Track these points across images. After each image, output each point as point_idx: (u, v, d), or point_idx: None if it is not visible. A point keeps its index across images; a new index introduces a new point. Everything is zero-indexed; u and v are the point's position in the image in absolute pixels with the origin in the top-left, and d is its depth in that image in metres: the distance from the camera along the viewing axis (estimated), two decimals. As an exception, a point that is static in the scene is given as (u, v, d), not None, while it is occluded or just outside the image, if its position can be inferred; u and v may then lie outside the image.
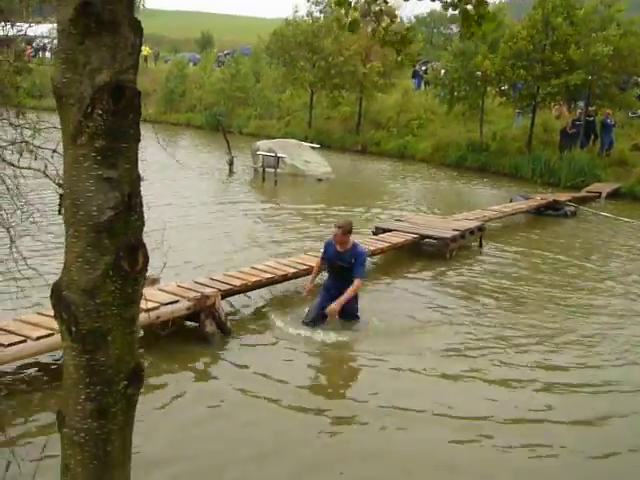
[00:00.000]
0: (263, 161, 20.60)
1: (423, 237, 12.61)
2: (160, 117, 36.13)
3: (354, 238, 8.68)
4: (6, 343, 6.58)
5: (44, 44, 33.06)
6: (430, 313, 9.34)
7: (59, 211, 3.99)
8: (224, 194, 18.34)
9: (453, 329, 8.77)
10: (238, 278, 9.15)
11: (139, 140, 2.07)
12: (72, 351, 2.06)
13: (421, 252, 12.39)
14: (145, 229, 2.08)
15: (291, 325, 8.44)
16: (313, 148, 23.65)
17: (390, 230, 12.90)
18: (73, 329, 2.01)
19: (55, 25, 2.82)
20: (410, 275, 11.19)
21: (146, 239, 2.11)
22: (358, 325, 8.57)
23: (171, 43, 65.45)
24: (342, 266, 8.42)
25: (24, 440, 5.44)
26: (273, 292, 9.76)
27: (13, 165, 3.46)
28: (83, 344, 2.02)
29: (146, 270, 2.08)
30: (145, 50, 39.38)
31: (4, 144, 3.39)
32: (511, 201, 17.96)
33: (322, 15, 33.99)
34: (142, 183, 2.06)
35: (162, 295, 8.11)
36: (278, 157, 20.57)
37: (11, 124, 3.93)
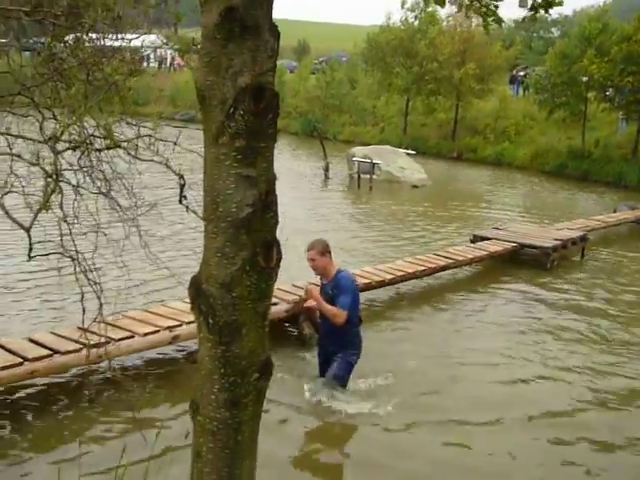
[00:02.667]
0: (359, 167, 20.69)
1: (523, 246, 12.33)
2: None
3: (334, 264, 6.70)
4: (116, 338, 6.92)
5: (148, 55, 34.42)
6: (516, 339, 8.44)
7: (180, 201, 4.20)
8: (320, 200, 18.52)
9: (553, 384, 7.23)
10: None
11: (275, 140, 2.14)
12: (208, 342, 2.15)
13: (520, 262, 12.09)
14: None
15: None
16: (409, 155, 23.55)
17: (488, 238, 12.70)
18: (210, 321, 2.10)
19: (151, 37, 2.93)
20: (506, 287, 10.87)
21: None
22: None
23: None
24: (327, 295, 6.52)
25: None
26: (370, 297, 9.77)
27: (138, 158, 3.63)
28: (219, 336, 2.11)
29: (279, 266, 2.14)
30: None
31: (129, 138, 3.56)
32: (615, 211, 17.30)
33: (417, 20, 33.88)
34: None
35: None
36: (374, 163, 20.62)
37: (128, 123, 4.13)
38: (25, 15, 3.50)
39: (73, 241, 3.38)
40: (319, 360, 6.88)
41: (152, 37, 5.30)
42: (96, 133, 3.89)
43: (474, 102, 31.63)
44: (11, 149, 3.39)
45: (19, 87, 3.76)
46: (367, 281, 9.48)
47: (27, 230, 3.35)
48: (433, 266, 10.54)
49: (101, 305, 3.48)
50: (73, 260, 3.30)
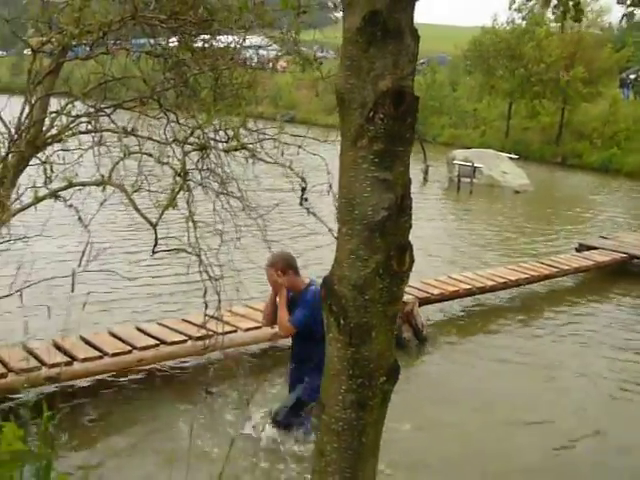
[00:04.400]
0: (459, 170, 20.40)
1: (632, 257, 11.82)
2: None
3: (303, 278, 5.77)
4: (220, 331, 7.10)
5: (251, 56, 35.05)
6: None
7: (300, 203, 4.27)
8: (418, 202, 18.32)
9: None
10: (436, 287, 9.15)
11: (412, 144, 2.14)
12: (337, 343, 2.17)
13: (630, 274, 11.57)
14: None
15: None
16: (511, 159, 23.01)
17: (595, 248, 12.23)
18: (341, 322, 2.12)
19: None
20: (614, 301, 10.35)
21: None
22: None
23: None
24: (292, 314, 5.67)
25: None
26: (470, 303, 9.61)
27: (262, 160, 3.72)
28: (350, 337, 2.13)
29: (411, 270, 2.14)
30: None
31: (258, 138, 3.66)
32: None
33: (524, 22, 33.05)
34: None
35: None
36: (475, 167, 20.27)
37: (247, 128, 4.22)
38: (160, 23, 3.64)
39: (196, 238, 3.50)
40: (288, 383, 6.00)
41: (255, 38, 5.40)
42: (217, 136, 4.02)
43: (582, 106, 30.54)
44: (141, 149, 3.55)
45: (149, 91, 3.92)
46: (467, 287, 9.34)
47: (154, 226, 3.50)
48: (536, 274, 10.25)
49: (219, 301, 3.59)
50: (198, 256, 3.42)
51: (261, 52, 5.14)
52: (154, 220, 3.48)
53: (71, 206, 3.51)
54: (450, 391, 6.75)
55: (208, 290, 3.93)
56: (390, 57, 2.04)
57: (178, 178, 3.42)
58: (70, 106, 3.69)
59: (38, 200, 3.44)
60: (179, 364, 7.17)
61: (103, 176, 3.52)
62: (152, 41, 4.31)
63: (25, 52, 5.58)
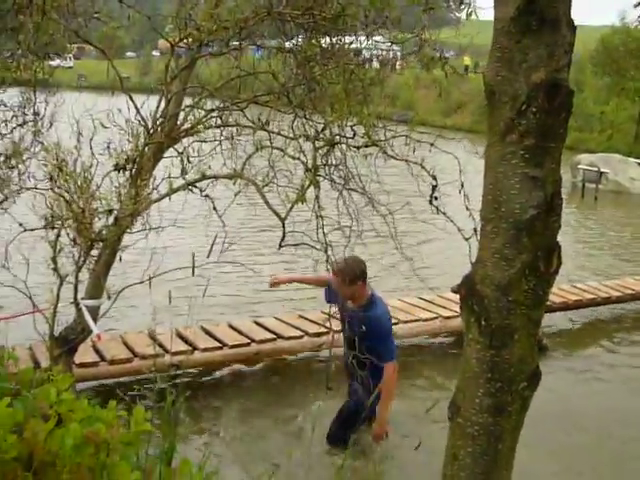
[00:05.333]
0: (584, 176, 19.56)
1: None
2: (475, 127, 36.16)
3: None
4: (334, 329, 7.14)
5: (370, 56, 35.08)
6: None
7: (430, 201, 4.22)
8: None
9: None
10: (558, 295, 8.78)
11: (565, 140, 2.04)
12: (477, 344, 2.10)
13: None
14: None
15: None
16: (640, 165, 21.84)
17: None
18: (483, 323, 2.05)
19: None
20: None
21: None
22: None
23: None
24: (352, 331, 4.91)
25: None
26: (591, 313, 9.16)
27: (393, 157, 3.70)
28: (490, 340, 2.05)
29: (557, 273, 2.04)
30: (466, 60, 39.73)
31: (385, 136, 3.64)
32: None
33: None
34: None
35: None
36: (601, 172, 19.36)
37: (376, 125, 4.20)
38: (292, 19, 3.68)
39: (324, 234, 3.52)
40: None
41: (377, 37, 5.37)
42: (343, 132, 4.03)
43: None
44: (272, 144, 3.60)
45: (279, 87, 3.97)
46: (591, 296, 8.93)
47: (282, 220, 3.55)
48: (670, 287, 9.64)
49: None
50: (325, 252, 3.44)
51: (382, 51, 5.11)
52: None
53: (207, 196, 3.61)
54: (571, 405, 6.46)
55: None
56: (545, 48, 1.95)
57: (308, 173, 3.45)
58: (203, 100, 3.80)
59: (173, 191, 3.57)
60: (300, 357, 7.21)
61: (235, 169, 3.60)
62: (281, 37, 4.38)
63: (153, 53, 5.76)
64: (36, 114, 3.79)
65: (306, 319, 7.48)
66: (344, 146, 3.76)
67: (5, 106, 7.13)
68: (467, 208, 3.57)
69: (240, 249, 10.64)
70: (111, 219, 3.58)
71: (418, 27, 4.15)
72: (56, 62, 7.00)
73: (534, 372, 2.13)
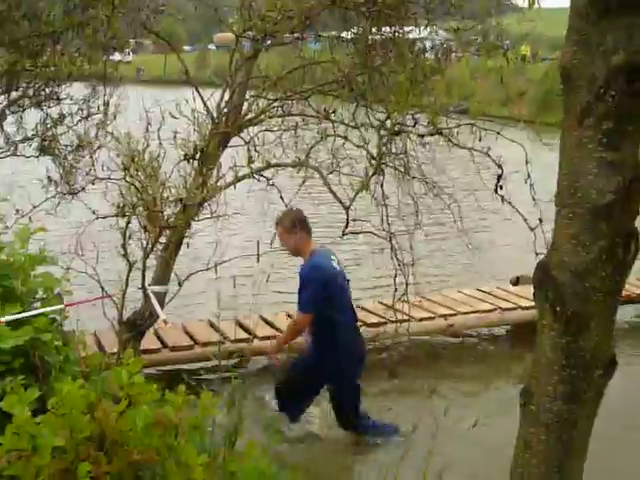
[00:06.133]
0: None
1: None
2: (534, 117, 35.38)
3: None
4: (392, 319, 7.12)
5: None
6: None
7: (495, 190, 4.18)
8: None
9: None
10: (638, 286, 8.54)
11: (644, 123, 1.99)
12: (551, 331, 2.08)
13: None
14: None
15: None
16: None
17: None
18: (558, 309, 2.03)
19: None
20: None
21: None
22: None
23: (549, 41, 63.30)
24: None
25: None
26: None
27: (458, 146, 3.67)
28: (565, 326, 2.03)
29: (635, 259, 2.01)
30: (523, 49, 38.84)
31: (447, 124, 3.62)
32: None
33: None
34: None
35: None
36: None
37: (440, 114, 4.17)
38: (355, 7, 3.69)
39: (388, 223, 3.52)
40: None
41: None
42: (405, 121, 4.02)
43: None
44: (335, 131, 3.62)
45: (341, 76, 3.98)
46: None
47: (347, 208, 3.57)
48: None
49: (407, 286, 3.59)
50: (390, 240, 3.44)
51: (441, 40, 5.07)
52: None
53: (273, 184, 3.65)
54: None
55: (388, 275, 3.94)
56: (624, 30, 1.91)
57: (372, 161, 3.45)
58: (266, 90, 3.83)
59: (238, 179, 3.63)
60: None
61: (299, 158, 3.63)
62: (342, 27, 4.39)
63: (210, 47, 5.84)
64: (106, 105, 3.89)
65: (363, 309, 7.50)
66: (407, 135, 3.75)
67: (71, 99, 7.35)
68: (533, 198, 3.52)
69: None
70: (179, 207, 3.66)
71: (481, 15, 4.11)
72: (117, 57, 7.17)
73: (610, 360, 2.10)
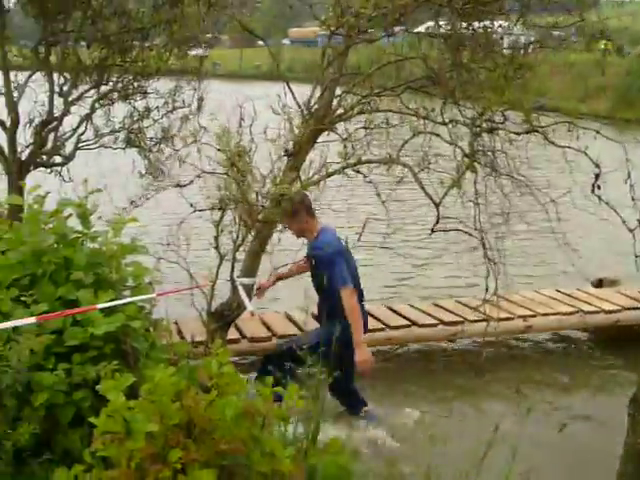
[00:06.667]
0: None
1: None
2: (614, 113, 34.20)
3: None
4: (471, 319, 7.04)
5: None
6: None
7: (592, 190, 4.07)
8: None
9: None
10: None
11: None
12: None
13: None
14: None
15: None
16: None
17: None
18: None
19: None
20: None
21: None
22: None
23: (634, 35, 60.91)
24: (311, 268, 5.21)
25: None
26: None
27: (554, 144, 3.59)
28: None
29: None
30: (606, 44, 37.57)
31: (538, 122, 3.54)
32: None
33: None
34: None
35: (623, 299, 7.74)
36: None
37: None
38: (448, 3, 3.63)
39: (479, 221, 3.47)
40: None
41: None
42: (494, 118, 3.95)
43: None
44: (425, 128, 3.59)
45: (430, 73, 3.94)
46: None
47: (437, 205, 3.54)
48: None
49: (497, 285, 3.54)
50: (482, 240, 3.39)
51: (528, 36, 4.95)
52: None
53: (370, 182, 3.66)
54: None
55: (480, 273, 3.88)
56: None
57: (465, 159, 3.41)
58: (355, 86, 3.83)
59: (328, 175, 3.64)
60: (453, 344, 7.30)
61: (390, 155, 3.62)
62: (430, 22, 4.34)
63: (283, 42, 5.86)
64: (200, 99, 3.96)
65: (441, 307, 7.44)
66: (499, 132, 3.69)
67: (157, 93, 7.55)
68: (632, 198, 3.41)
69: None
70: (273, 202, 3.70)
71: (577, 8, 4.00)
72: (194, 52, 7.33)
73: None
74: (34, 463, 3.23)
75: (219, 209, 3.77)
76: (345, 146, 3.64)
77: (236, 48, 53.31)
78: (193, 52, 7.27)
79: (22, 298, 3.52)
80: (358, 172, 3.70)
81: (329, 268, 4.84)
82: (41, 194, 4.07)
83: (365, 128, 3.63)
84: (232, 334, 6.22)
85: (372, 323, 6.84)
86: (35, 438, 3.27)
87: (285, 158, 3.71)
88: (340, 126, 3.84)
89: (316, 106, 3.77)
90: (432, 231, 3.78)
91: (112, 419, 2.90)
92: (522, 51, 4.38)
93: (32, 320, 3.18)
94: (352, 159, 3.65)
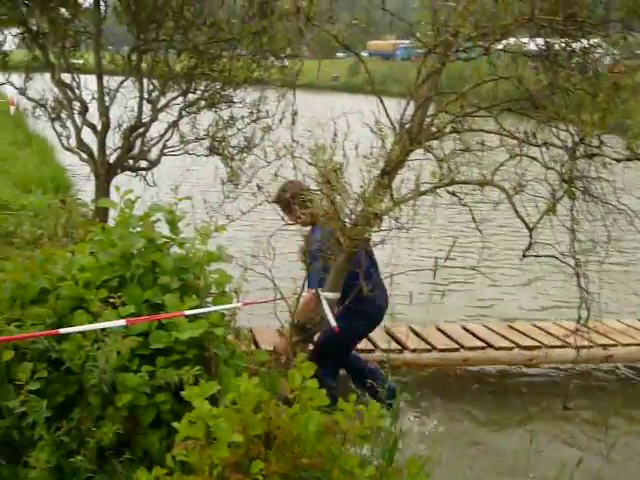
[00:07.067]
0: None
1: None
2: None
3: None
4: (548, 344, 6.84)
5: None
6: None
7: None
8: None
9: None
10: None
11: None
12: None
13: None
14: None
15: None
16: None
17: None
18: None
19: None
20: None
21: None
22: None
23: None
24: None
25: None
26: None
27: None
28: None
29: None
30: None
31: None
32: None
33: None
34: None
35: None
36: None
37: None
38: (552, 24, 3.53)
39: (574, 250, 3.37)
40: None
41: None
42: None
43: None
44: (521, 151, 3.51)
45: (526, 93, 3.84)
46: None
47: (530, 229, 3.46)
48: None
49: (589, 312, 3.43)
50: (576, 267, 3.29)
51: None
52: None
53: (465, 205, 3.60)
54: None
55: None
56: None
57: (563, 184, 3.32)
58: (451, 105, 3.79)
59: (420, 193, 3.61)
60: (532, 370, 7.03)
61: (484, 176, 3.56)
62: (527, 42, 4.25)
63: (363, 54, 5.83)
64: (294, 113, 3.99)
65: (516, 330, 7.26)
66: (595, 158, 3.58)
67: (241, 103, 7.67)
68: None
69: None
70: (362, 219, 3.69)
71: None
72: (271, 62, 7.41)
73: None
74: (115, 462, 3.30)
75: (310, 224, 3.77)
76: (441, 167, 3.60)
77: (314, 59, 53.70)
78: (280, 62, 7.35)
79: (110, 299, 3.60)
80: (453, 194, 3.64)
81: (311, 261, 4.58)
82: (131, 198, 4.17)
83: (464, 151, 3.56)
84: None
85: (446, 342, 6.75)
86: (117, 437, 3.34)
87: (375, 174, 3.69)
88: (435, 144, 3.79)
89: (408, 124, 3.73)
90: (524, 256, 3.69)
91: (194, 425, 2.93)
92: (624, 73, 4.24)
93: (122, 323, 3.26)
94: (445, 179, 3.60)
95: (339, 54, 65.48)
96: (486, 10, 3.47)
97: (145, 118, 7.18)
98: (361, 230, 3.65)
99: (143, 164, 7.40)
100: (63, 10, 7.55)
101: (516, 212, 3.42)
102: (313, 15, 3.46)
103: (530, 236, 3.55)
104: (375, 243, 3.89)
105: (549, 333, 7.17)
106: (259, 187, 4.36)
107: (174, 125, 7.19)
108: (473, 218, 3.60)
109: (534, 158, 3.51)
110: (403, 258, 4.55)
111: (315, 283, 4.56)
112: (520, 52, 3.81)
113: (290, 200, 4.79)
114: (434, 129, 3.67)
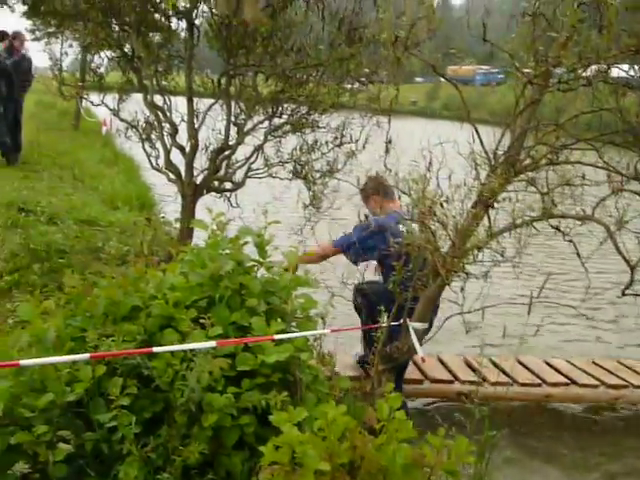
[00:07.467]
0: None
1: None
2: None
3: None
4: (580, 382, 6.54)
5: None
6: None
7: None
8: None
9: None
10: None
11: None
12: None
13: None
14: None
15: None
16: None
17: None
18: None
19: None
20: None
21: None
22: None
23: None
24: None
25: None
26: None
27: None
28: None
29: None
30: None
31: None
32: None
33: None
34: None
35: None
36: None
37: None
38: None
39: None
40: None
41: None
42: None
43: None
44: (622, 183, 3.40)
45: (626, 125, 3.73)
46: None
47: (632, 267, 3.33)
48: None
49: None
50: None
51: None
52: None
53: (571, 241, 3.51)
54: None
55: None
56: None
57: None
58: (546, 135, 3.71)
59: (516, 226, 3.54)
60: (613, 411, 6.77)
61: (584, 210, 3.47)
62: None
63: (441, 80, 5.78)
64: (389, 141, 3.98)
65: (600, 367, 6.99)
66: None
67: (325, 128, 7.74)
68: None
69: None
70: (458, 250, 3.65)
71: None
72: (349, 86, 7.44)
73: None
74: (200, 481, 3.32)
75: (405, 254, 3.78)
76: (544, 200, 3.51)
77: (393, 84, 53.88)
78: (364, 88, 7.40)
79: (200, 320, 3.66)
80: (557, 229, 3.55)
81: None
82: (223, 220, 4.24)
83: (567, 184, 3.47)
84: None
85: (528, 377, 6.56)
86: (201, 457, 3.37)
87: (468, 204, 3.64)
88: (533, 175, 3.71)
89: (506, 154, 3.67)
90: (623, 294, 3.56)
91: (280, 450, 2.93)
92: None
93: (212, 344, 3.30)
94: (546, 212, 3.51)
95: (418, 79, 65.70)
96: (590, 40, 3.38)
97: (231, 141, 7.32)
98: (461, 263, 3.60)
99: (228, 185, 7.53)
100: (157, 35, 7.82)
101: (617, 249, 3.30)
102: (410, 45, 3.46)
103: (631, 274, 3.42)
104: (477, 277, 3.84)
105: (635, 372, 6.88)
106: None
107: (259, 148, 7.31)
108: (578, 254, 3.50)
109: (638, 193, 3.38)
110: (496, 290, 4.47)
111: (341, 244, 5.25)
112: (622, 83, 3.69)
113: (370, 192, 5.50)
114: (528, 161, 3.60)
